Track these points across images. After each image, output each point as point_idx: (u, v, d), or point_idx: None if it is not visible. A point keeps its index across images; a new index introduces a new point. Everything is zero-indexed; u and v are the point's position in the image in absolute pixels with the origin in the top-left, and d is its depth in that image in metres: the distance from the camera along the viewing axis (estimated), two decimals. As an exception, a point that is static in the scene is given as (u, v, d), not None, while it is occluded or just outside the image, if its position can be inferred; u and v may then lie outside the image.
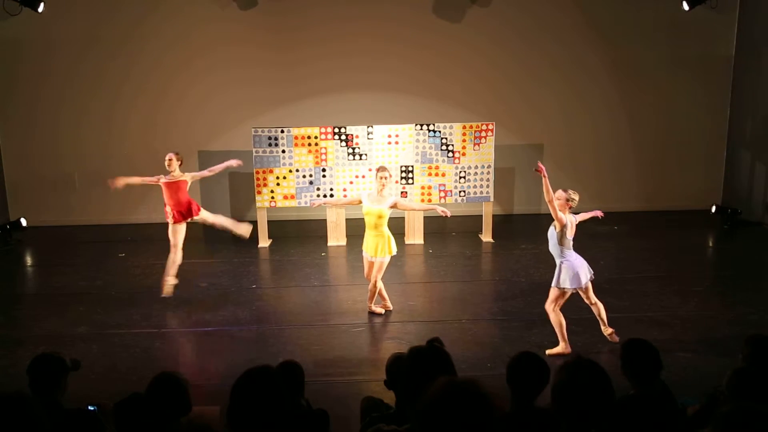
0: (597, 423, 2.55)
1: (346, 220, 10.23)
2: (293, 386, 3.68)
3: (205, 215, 7.88)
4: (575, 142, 11.81)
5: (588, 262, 6.22)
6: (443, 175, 10.16)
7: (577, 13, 11.36)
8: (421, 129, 10.08)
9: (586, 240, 10.13)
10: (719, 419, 2.36)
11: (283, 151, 9.97)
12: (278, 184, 10.08)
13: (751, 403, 2.40)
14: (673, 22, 11.29)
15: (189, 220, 7.79)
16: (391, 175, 7.15)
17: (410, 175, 10.13)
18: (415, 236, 10.25)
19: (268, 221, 10.31)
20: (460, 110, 11.12)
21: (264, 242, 10.21)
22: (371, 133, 9.99)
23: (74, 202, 11.60)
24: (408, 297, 7.93)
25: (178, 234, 7.72)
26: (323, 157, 10.03)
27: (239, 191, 11.58)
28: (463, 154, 10.13)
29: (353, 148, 10.01)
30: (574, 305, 7.44)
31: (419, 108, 11.08)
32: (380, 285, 7.27)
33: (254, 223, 10.39)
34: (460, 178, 10.18)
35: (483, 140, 10.10)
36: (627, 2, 11.40)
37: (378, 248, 7.04)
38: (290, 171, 10.06)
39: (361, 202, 7.14)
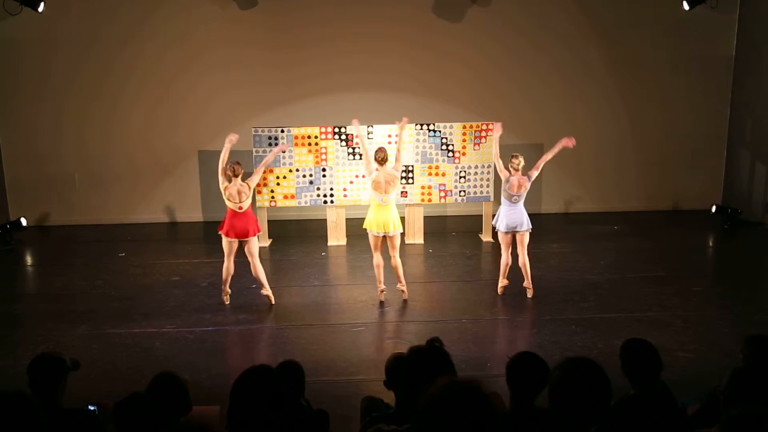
0: (594, 421, 2.55)
1: (347, 220, 10.22)
2: (293, 386, 3.68)
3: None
4: (576, 142, 11.76)
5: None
6: (443, 174, 10.16)
7: (577, 12, 11.35)
8: (421, 129, 10.08)
9: (586, 240, 10.20)
10: (726, 422, 2.35)
11: (283, 151, 9.97)
12: (278, 184, 10.08)
13: (758, 407, 2.38)
14: (674, 21, 11.28)
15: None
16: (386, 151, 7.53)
17: (410, 175, 10.13)
18: (415, 236, 10.24)
19: (268, 221, 10.32)
20: (460, 110, 11.10)
21: (264, 242, 10.19)
22: (371, 133, 9.98)
23: (74, 202, 11.59)
24: (408, 297, 7.93)
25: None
26: (323, 156, 10.03)
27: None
28: (463, 154, 10.13)
29: (353, 148, 10.01)
30: (575, 305, 7.48)
31: (419, 108, 11.04)
32: (399, 262, 7.49)
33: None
34: (460, 177, 10.18)
35: (483, 140, 10.10)
36: (627, 2, 11.39)
37: (394, 222, 7.33)
38: (290, 171, 10.06)
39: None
